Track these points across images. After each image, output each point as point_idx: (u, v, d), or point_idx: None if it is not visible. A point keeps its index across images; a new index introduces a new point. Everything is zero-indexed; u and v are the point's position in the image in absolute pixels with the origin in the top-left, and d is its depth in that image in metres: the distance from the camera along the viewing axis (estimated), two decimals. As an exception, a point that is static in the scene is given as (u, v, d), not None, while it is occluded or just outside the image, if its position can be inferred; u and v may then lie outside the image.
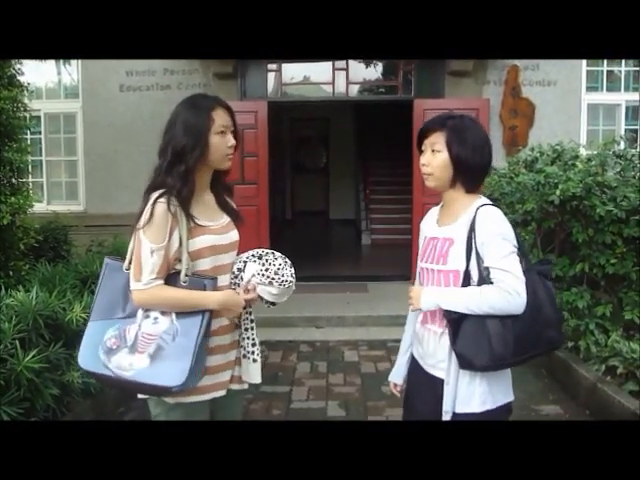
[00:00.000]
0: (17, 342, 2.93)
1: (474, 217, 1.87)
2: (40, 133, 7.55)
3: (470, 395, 1.87)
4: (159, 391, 1.81)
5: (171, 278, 1.83)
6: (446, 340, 1.89)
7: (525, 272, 1.84)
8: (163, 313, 1.81)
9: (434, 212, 2.10)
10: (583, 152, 5.29)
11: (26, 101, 4.34)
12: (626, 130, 7.24)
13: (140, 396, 1.95)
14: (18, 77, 4.22)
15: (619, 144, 4.96)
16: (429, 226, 2.07)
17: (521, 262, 1.85)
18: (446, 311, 1.85)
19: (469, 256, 1.85)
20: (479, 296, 1.80)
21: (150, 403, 1.94)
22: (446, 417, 1.89)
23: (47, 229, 5.26)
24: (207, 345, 1.87)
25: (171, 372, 1.75)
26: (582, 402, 3.92)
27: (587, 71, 7.24)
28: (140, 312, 1.82)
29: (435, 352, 1.96)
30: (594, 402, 3.77)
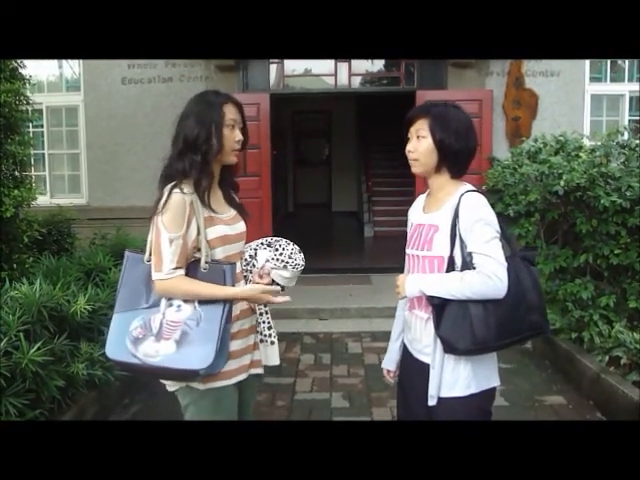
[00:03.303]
0: (22, 334, 2.93)
1: (458, 203, 1.90)
2: (42, 126, 7.54)
3: (455, 380, 1.91)
4: (187, 375, 1.86)
5: (191, 266, 1.89)
6: (431, 325, 1.92)
7: (509, 258, 1.87)
8: (186, 301, 1.87)
9: (421, 199, 2.14)
10: (587, 143, 5.28)
11: (28, 94, 4.33)
12: (630, 120, 7.19)
13: (170, 389, 2.00)
14: (20, 70, 4.21)
15: (623, 134, 4.94)
16: (415, 213, 2.12)
17: (504, 247, 1.88)
18: (430, 297, 1.88)
19: (453, 242, 1.89)
20: (460, 281, 1.83)
21: (180, 394, 1.99)
22: (432, 402, 1.92)
23: (50, 222, 5.26)
24: (230, 330, 1.93)
25: (198, 356, 1.81)
26: (586, 393, 3.92)
27: (590, 62, 7.20)
28: (163, 301, 1.88)
29: (421, 337, 2.00)
30: (598, 393, 3.78)
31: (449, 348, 1.87)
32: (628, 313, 4.25)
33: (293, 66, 7.42)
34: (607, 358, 3.94)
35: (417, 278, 1.95)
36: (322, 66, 7.43)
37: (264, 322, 2.11)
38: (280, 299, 1.97)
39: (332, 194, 14.44)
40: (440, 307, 1.87)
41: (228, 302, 1.88)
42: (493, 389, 1.99)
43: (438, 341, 1.90)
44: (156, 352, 1.82)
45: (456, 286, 1.83)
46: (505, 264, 1.83)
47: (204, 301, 1.86)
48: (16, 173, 4.15)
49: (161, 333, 1.84)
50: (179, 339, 1.83)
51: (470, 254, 1.86)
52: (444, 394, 1.92)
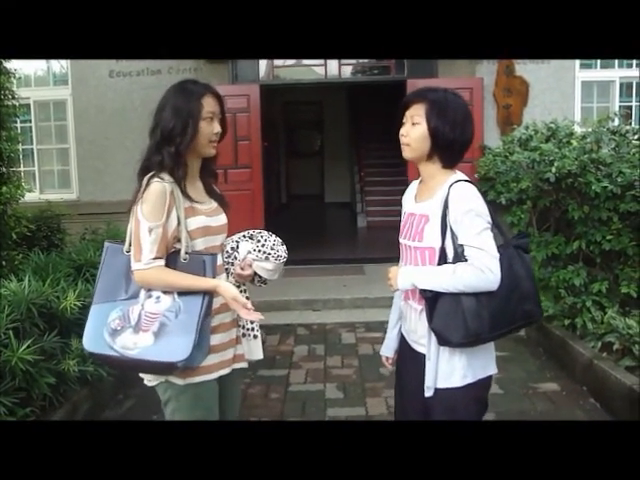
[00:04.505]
0: (11, 332, 2.91)
1: (447, 194, 1.86)
2: (30, 121, 7.48)
3: (451, 370, 1.89)
4: (165, 367, 1.83)
5: (170, 257, 1.86)
6: (425, 317, 1.90)
7: (501, 247, 1.84)
8: (165, 292, 1.84)
9: (413, 186, 2.10)
10: (578, 129, 5.27)
11: (14, 89, 4.28)
12: (620, 107, 7.19)
13: (149, 384, 1.97)
14: (4, 64, 4.15)
15: (613, 121, 4.94)
16: (408, 201, 2.08)
17: (496, 237, 1.85)
18: (422, 290, 1.86)
19: (444, 234, 1.85)
20: (453, 275, 1.80)
21: (159, 389, 1.96)
22: (428, 393, 1.91)
23: (40, 218, 5.22)
24: (210, 324, 1.90)
25: (175, 348, 1.78)
26: (579, 379, 3.93)
27: (581, 48, 7.18)
28: (142, 292, 1.85)
29: (416, 328, 1.98)
30: (591, 379, 3.78)
31: (442, 341, 1.85)
32: (620, 299, 4.26)
33: (282, 57, 7.37)
34: (600, 344, 3.95)
35: (409, 271, 1.91)
36: (312, 56, 7.39)
37: None
38: (249, 315, 1.86)
39: (325, 185, 14.42)
40: (432, 300, 1.84)
41: (208, 294, 1.85)
42: (490, 377, 1.97)
43: (432, 333, 1.88)
44: (134, 344, 1.80)
45: (448, 280, 1.80)
46: (497, 256, 1.80)
47: (183, 292, 1.83)
48: (3, 169, 4.10)
49: (139, 325, 1.81)
50: (157, 331, 1.80)
51: (462, 246, 1.83)
52: (440, 385, 1.90)
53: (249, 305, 1.87)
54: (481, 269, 1.77)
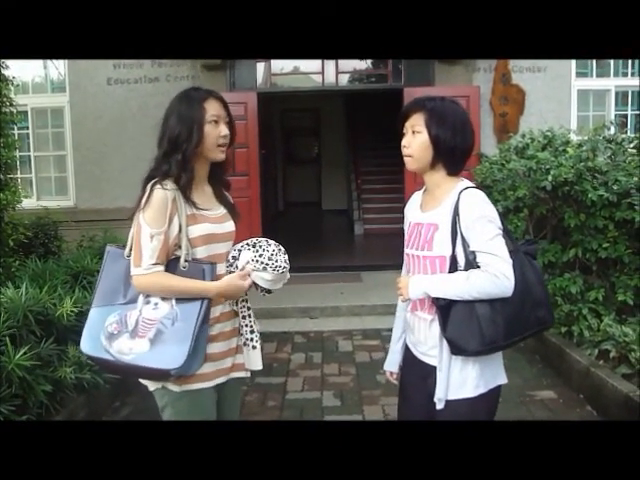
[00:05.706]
0: (7, 339, 2.90)
1: (457, 201, 1.85)
2: (27, 128, 7.49)
3: (463, 380, 1.86)
4: (159, 374, 1.83)
5: (171, 264, 1.86)
6: (436, 327, 1.88)
7: (512, 253, 1.83)
8: (163, 299, 1.84)
9: (417, 197, 2.08)
10: (574, 138, 5.30)
11: (12, 96, 4.29)
12: (616, 115, 7.24)
13: (150, 388, 1.97)
14: (3, 71, 4.17)
15: (609, 129, 4.97)
16: (413, 211, 2.06)
17: (507, 243, 1.84)
18: (435, 298, 1.84)
19: (454, 241, 1.84)
20: (467, 282, 1.78)
21: (157, 395, 1.96)
22: (440, 405, 1.87)
23: (37, 225, 5.23)
24: (209, 332, 1.90)
25: (170, 355, 1.78)
26: (576, 387, 3.93)
27: (577, 56, 7.23)
28: (141, 298, 1.86)
29: (426, 339, 1.95)
30: (587, 386, 3.78)
31: (457, 350, 1.82)
32: (617, 306, 4.26)
33: (280, 64, 7.41)
34: (596, 352, 3.95)
35: (421, 279, 1.89)
36: (309, 64, 7.43)
37: (247, 325, 2.05)
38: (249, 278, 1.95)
39: (322, 192, 14.44)
40: (446, 308, 1.82)
41: (205, 302, 1.84)
42: (499, 387, 1.94)
43: (444, 343, 1.85)
44: (129, 350, 1.80)
45: (462, 287, 1.78)
46: (510, 261, 1.79)
47: (181, 299, 1.83)
48: (0, 176, 4.11)
49: (136, 330, 1.81)
50: (153, 337, 1.80)
51: (473, 253, 1.81)
52: (452, 396, 1.87)
53: (242, 273, 1.92)
54: (495, 275, 1.75)
